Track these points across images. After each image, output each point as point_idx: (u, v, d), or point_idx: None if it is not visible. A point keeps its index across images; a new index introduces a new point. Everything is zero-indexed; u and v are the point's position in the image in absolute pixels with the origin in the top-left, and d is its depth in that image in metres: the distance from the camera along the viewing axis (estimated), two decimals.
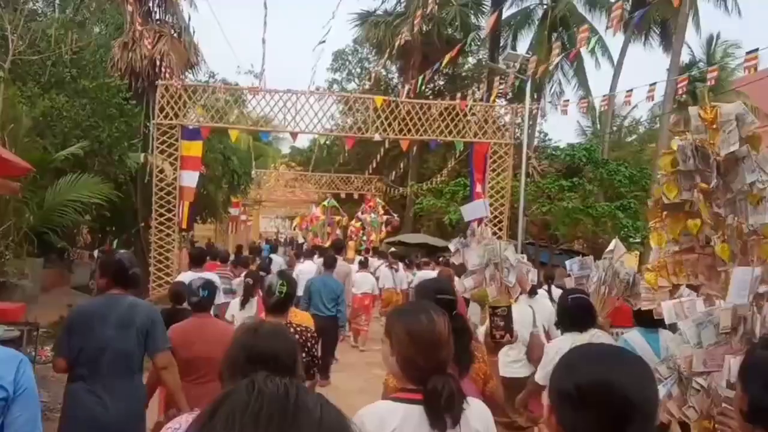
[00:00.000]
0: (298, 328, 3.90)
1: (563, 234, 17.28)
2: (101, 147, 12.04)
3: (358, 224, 23.45)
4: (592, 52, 26.33)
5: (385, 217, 23.44)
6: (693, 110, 3.13)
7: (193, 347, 4.23)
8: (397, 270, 13.08)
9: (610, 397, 1.29)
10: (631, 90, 11.16)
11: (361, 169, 27.07)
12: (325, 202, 26.60)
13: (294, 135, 11.97)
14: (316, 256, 11.53)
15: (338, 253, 10.66)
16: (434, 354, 1.99)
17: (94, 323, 3.66)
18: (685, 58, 24.60)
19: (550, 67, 16.38)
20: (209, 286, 4.58)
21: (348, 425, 0.79)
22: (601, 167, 17.49)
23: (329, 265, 8.97)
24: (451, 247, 5.29)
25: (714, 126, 2.99)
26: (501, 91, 13.53)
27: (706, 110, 3.04)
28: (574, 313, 4.13)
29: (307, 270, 10.29)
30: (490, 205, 12.49)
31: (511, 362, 5.22)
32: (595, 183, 17.13)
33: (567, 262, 5.76)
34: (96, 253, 14.63)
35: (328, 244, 21.59)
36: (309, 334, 3.97)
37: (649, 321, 4.23)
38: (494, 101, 13.53)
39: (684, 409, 2.63)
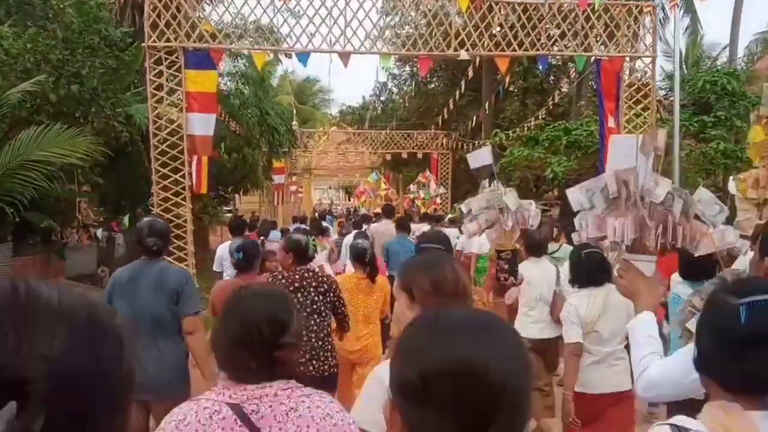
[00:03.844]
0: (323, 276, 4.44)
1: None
2: (82, 90, 8.77)
3: (411, 195, 22.14)
4: None
5: (437, 190, 21.70)
6: None
7: None
8: None
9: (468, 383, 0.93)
10: None
11: (423, 125, 23.26)
12: (370, 178, 25.64)
13: (345, 56, 8.32)
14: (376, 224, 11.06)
15: (388, 217, 10.41)
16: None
17: (128, 290, 3.74)
18: None
19: None
20: (242, 248, 4.70)
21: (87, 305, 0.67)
22: (740, 100, 13.82)
23: (403, 227, 8.94)
24: (463, 207, 5.19)
25: None
26: None
27: None
28: (589, 268, 4.02)
29: None
30: None
31: (533, 323, 5.13)
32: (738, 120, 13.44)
33: (576, 218, 5.40)
34: (100, 232, 11.55)
35: (375, 211, 20.69)
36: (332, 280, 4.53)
37: (697, 273, 3.65)
38: None
39: None
